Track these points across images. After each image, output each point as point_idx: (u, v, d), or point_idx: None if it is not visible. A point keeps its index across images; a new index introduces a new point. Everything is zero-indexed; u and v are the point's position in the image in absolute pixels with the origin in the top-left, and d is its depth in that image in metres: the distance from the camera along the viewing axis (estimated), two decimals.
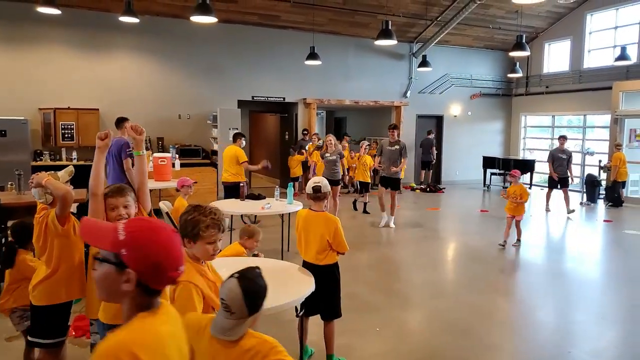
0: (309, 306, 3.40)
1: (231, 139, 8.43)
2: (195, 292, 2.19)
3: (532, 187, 14.23)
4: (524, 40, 9.81)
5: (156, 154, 8.50)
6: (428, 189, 13.57)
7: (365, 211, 9.95)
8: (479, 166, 14.56)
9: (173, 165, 9.18)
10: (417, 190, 13.62)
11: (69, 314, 3.04)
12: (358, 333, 4.28)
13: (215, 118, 11.10)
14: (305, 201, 4.34)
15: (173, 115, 11.28)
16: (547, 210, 10.57)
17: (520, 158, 15.05)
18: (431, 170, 14.30)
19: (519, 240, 7.38)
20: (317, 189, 3.60)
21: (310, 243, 3.65)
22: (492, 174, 14.43)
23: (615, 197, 11.17)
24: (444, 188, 13.92)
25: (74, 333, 3.97)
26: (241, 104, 12.05)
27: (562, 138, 10.41)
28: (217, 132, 10.89)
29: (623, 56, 11.19)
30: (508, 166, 13.89)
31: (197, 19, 6.31)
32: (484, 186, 14.37)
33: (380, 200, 8.75)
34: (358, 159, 10.42)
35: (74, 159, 9.86)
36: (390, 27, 8.46)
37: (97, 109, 10.28)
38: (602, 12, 13.13)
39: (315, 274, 3.45)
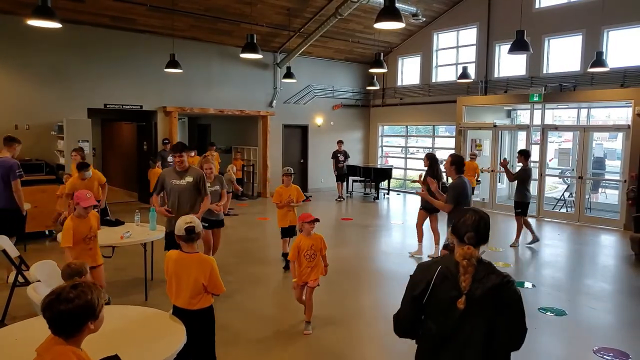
0: (181, 355, 3.08)
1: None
2: None
3: (390, 192, 15.17)
4: (381, 58, 10.38)
5: None
6: None
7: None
8: None
9: None
10: None
11: None
12: None
13: (61, 128, 9.92)
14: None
15: (8, 125, 9.77)
16: (536, 239, 8.49)
17: (379, 166, 15.93)
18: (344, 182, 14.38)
19: (308, 322, 4.85)
20: (190, 230, 3.27)
21: (182, 288, 3.32)
22: (354, 181, 15.07)
23: None
24: (311, 196, 14.16)
25: None
26: (92, 112, 10.93)
27: (524, 154, 8.46)
28: (64, 144, 9.74)
29: (465, 75, 12.42)
30: (368, 174, 14.63)
31: (35, 23, 5.47)
32: (347, 193, 14.93)
33: None
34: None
35: None
36: (255, 41, 8.30)
37: None
38: (446, 32, 14.48)
39: (188, 320, 3.17)
